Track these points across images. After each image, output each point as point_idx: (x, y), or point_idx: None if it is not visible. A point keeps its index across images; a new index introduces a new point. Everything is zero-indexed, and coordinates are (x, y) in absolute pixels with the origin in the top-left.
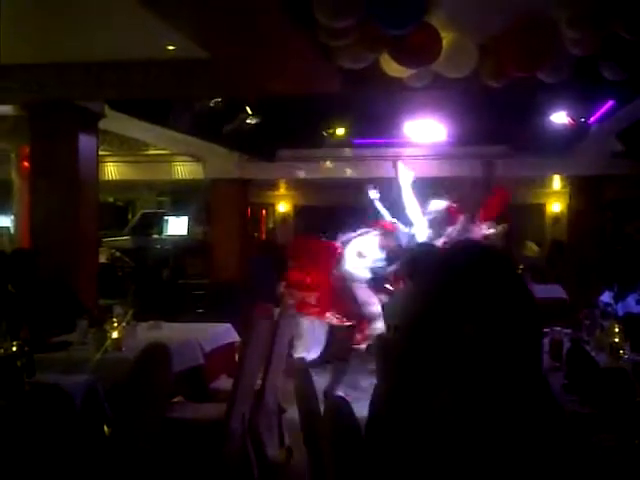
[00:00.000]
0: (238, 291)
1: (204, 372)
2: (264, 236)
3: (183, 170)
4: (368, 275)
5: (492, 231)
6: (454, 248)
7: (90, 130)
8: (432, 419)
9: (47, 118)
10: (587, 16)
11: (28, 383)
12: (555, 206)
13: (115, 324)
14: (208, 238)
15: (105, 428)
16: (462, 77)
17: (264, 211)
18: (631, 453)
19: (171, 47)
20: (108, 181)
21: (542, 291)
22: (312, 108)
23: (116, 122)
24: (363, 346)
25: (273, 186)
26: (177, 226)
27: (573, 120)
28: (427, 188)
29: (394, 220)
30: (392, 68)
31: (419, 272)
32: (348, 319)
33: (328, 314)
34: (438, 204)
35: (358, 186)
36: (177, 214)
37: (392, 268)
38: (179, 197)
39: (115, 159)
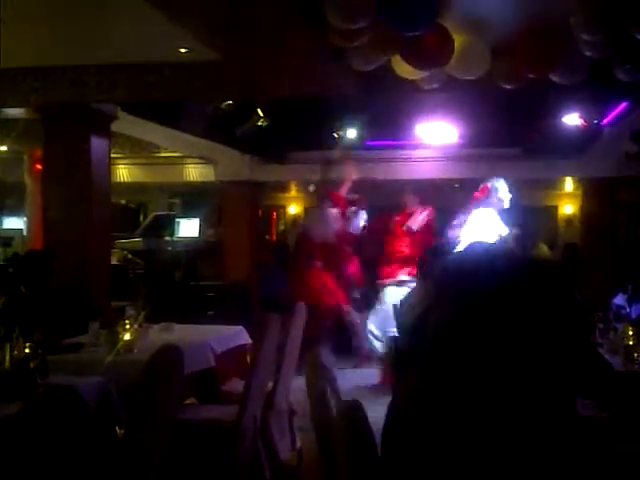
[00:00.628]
0: (249, 294)
1: (216, 374)
2: (275, 238)
3: (194, 172)
4: None
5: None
6: (490, 253)
7: (102, 132)
8: (458, 424)
9: (60, 120)
10: (601, 18)
11: (41, 385)
12: (567, 208)
13: (127, 326)
14: (219, 240)
15: (117, 430)
16: (475, 79)
17: (275, 213)
18: None
19: (183, 49)
20: (120, 183)
21: None
22: (323, 110)
23: (128, 124)
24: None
25: (284, 188)
26: (189, 228)
27: (586, 122)
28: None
29: None
30: (404, 70)
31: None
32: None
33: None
34: None
35: (369, 187)
36: (189, 216)
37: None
38: (191, 199)
39: (127, 161)
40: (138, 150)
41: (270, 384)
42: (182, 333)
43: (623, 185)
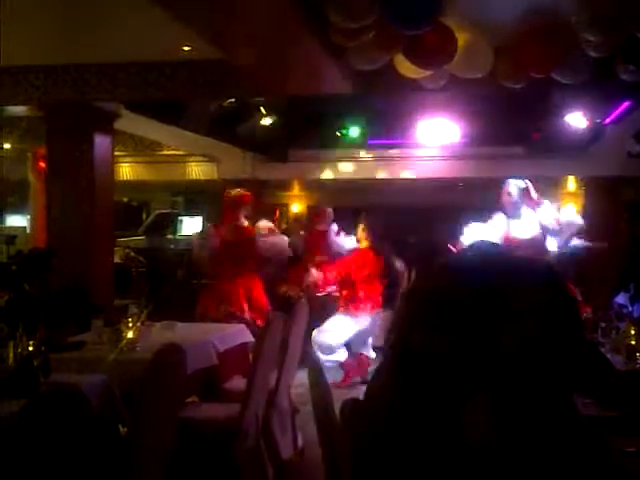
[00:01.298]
0: None
1: (218, 372)
2: None
3: (197, 170)
4: None
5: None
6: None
7: (105, 130)
8: (457, 431)
9: (63, 119)
10: (604, 18)
11: (44, 383)
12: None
13: (130, 324)
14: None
15: (120, 428)
16: (477, 78)
17: (278, 211)
18: None
19: (186, 48)
20: (123, 181)
21: None
22: (326, 109)
23: (131, 122)
24: None
25: (287, 186)
26: (191, 226)
27: (589, 121)
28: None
29: None
30: (407, 69)
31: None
32: None
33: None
34: None
35: (372, 187)
36: (191, 214)
37: None
38: (193, 197)
39: (130, 159)
40: (141, 148)
41: (272, 383)
42: (184, 331)
43: (626, 184)
